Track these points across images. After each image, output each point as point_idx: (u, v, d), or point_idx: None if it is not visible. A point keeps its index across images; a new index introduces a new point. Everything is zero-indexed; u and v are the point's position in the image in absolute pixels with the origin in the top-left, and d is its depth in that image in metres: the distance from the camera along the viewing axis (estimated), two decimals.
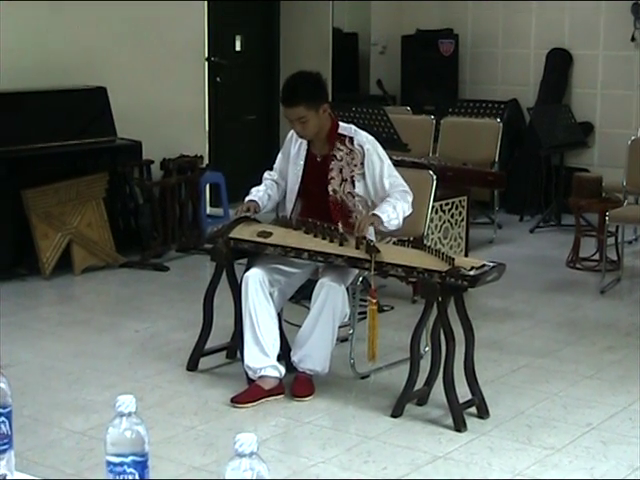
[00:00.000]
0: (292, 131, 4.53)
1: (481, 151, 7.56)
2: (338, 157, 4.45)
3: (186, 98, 7.71)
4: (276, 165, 4.67)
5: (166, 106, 7.46)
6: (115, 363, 4.75)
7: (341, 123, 4.54)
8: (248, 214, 4.47)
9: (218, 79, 8.60)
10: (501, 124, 7.68)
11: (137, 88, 7.24)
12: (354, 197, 4.46)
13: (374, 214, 4.30)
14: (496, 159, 7.55)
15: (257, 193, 4.57)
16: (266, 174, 4.68)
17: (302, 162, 4.52)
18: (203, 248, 6.72)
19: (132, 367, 4.69)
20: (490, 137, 7.60)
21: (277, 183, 4.64)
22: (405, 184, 4.42)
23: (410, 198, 4.40)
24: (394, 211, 4.30)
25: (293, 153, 4.55)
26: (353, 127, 4.53)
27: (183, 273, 6.59)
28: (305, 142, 4.51)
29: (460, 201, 6.28)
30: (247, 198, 4.56)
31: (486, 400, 4.13)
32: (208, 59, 8.25)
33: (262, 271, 4.30)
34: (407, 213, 4.38)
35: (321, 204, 4.46)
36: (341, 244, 4.19)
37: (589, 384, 4.53)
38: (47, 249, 6.27)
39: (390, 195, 4.37)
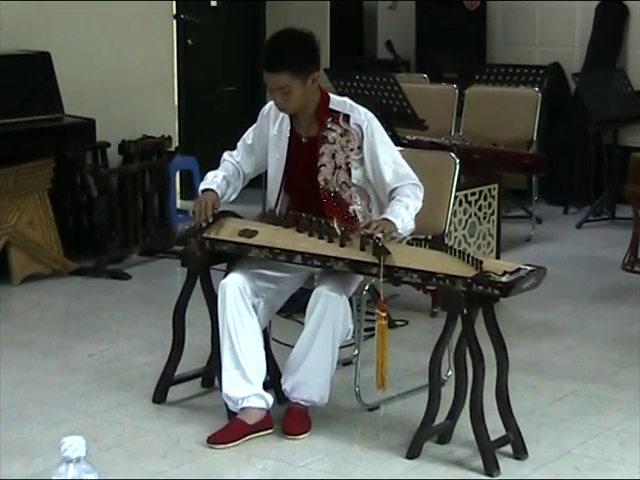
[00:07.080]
0: (268, 105, 4.51)
1: (515, 128, 7.57)
2: (330, 139, 4.43)
3: (150, 66, 7.71)
4: (240, 144, 4.62)
5: (125, 76, 7.46)
6: (64, 394, 4.74)
7: (333, 96, 4.51)
8: (208, 220, 4.36)
9: (189, 41, 8.61)
10: (540, 94, 7.69)
11: (89, 53, 7.24)
12: (350, 187, 4.44)
13: (386, 219, 4.27)
14: (534, 137, 7.57)
15: (214, 179, 4.50)
16: (226, 155, 4.62)
17: (285, 145, 4.50)
18: (172, 251, 6.74)
19: (85, 399, 4.69)
20: (526, 110, 7.61)
21: (238, 168, 4.59)
22: (414, 175, 4.42)
23: (421, 194, 4.40)
24: (408, 213, 4.30)
25: (273, 134, 4.51)
26: (348, 101, 4.50)
27: (148, 282, 6.60)
28: (287, 120, 4.46)
29: (490, 190, 6.30)
30: (202, 185, 4.49)
31: (524, 436, 4.13)
32: (177, 17, 8.26)
33: (243, 277, 4.28)
34: (417, 211, 4.38)
35: (311, 197, 4.43)
36: (342, 245, 4.18)
37: None
38: None
39: (399, 191, 4.36)
